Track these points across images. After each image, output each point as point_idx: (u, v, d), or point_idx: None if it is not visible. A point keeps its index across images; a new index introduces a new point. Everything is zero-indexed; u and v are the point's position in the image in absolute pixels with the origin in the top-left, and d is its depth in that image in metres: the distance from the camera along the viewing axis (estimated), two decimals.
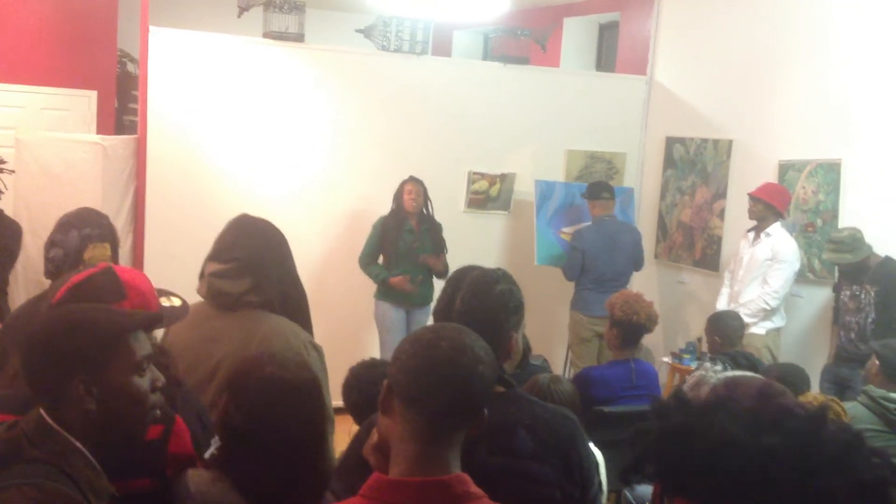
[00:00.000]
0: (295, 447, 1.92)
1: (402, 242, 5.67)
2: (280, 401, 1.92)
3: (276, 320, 2.60)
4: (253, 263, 2.59)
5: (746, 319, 5.26)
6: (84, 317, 1.69)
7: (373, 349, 5.78)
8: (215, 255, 2.64)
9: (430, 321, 5.50)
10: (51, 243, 3.26)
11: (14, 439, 1.60)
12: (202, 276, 2.64)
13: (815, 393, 4.07)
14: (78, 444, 1.61)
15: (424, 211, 5.80)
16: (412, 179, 5.74)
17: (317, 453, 1.98)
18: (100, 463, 1.65)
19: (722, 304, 5.57)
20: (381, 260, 5.78)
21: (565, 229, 6.47)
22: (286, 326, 2.59)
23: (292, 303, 2.69)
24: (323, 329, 6.26)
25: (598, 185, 6.17)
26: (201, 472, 1.98)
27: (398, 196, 5.74)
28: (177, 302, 2.34)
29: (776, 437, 1.20)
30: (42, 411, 1.62)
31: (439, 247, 5.81)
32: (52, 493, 1.51)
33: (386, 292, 5.75)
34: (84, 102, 7.25)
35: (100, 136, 6.19)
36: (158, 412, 1.76)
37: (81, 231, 3.20)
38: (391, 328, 5.72)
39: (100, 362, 1.62)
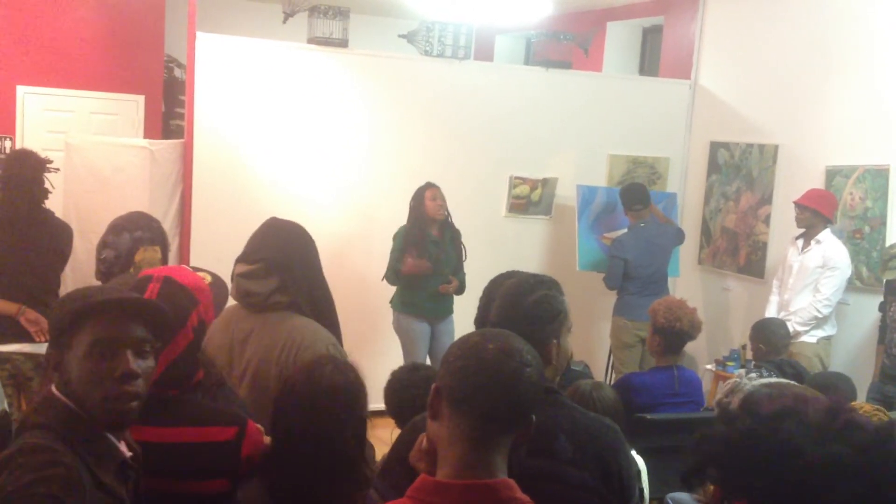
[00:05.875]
0: (339, 452, 1.94)
1: (428, 255, 5.42)
2: (334, 403, 1.95)
3: (301, 321, 2.62)
4: (279, 263, 2.62)
5: (798, 328, 5.19)
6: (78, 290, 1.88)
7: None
8: (243, 256, 2.69)
9: (455, 333, 5.45)
10: (103, 245, 3.32)
11: (26, 413, 1.73)
12: (232, 277, 2.70)
13: (860, 403, 3.99)
14: (77, 409, 1.67)
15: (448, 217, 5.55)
16: (432, 185, 5.48)
17: (357, 459, 1.99)
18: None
19: (771, 313, 5.48)
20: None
21: (608, 234, 6.44)
22: (311, 328, 2.61)
23: (320, 304, 2.71)
24: (363, 330, 6.27)
25: (629, 195, 6.07)
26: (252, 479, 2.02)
27: (418, 203, 5.45)
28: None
29: (842, 447, 1.21)
30: (52, 386, 1.71)
31: (460, 258, 5.59)
32: (31, 449, 1.58)
33: (406, 304, 5.52)
34: (132, 107, 7.37)
35: (147, 140, 6.29)
36: (135, 404, 1.68)
37: (133, 234, 3.26)
38: (416, 340, 5.52)
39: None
